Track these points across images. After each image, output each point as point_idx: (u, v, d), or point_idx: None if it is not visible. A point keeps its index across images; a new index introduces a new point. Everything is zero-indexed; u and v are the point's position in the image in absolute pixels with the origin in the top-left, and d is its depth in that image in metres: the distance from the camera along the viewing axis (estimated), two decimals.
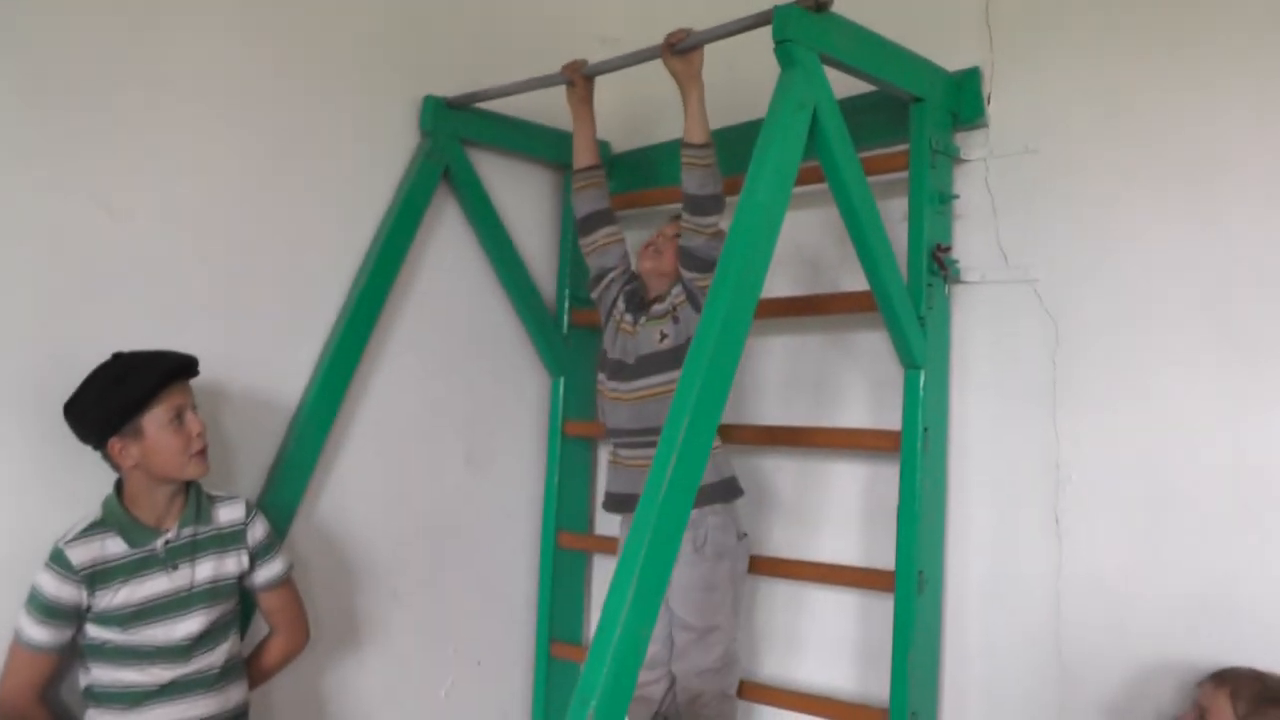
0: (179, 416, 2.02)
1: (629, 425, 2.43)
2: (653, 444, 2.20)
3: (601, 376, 2.51)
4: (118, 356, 2.04)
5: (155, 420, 1.99)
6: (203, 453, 2.06)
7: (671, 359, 2.35)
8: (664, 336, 2.38)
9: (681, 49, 2.21)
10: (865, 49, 2.18)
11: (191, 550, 2.08)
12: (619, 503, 2.48)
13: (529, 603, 2.99)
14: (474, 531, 2.89)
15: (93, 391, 1.99)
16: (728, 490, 2.41)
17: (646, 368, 2.40)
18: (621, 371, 2.44)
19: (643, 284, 2.51)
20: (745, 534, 2.46)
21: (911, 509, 2.29)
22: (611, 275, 2.53)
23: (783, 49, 2.01)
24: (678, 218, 2.41)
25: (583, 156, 2.54)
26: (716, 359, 1.82)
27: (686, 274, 2.35)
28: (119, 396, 1.97)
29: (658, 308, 2.41)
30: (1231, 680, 1.92)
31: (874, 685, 2.48)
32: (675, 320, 2.37)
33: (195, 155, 2.33)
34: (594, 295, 2.57)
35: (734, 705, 2.49)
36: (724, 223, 2.25)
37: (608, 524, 3.08)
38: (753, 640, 2.74)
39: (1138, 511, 2.19)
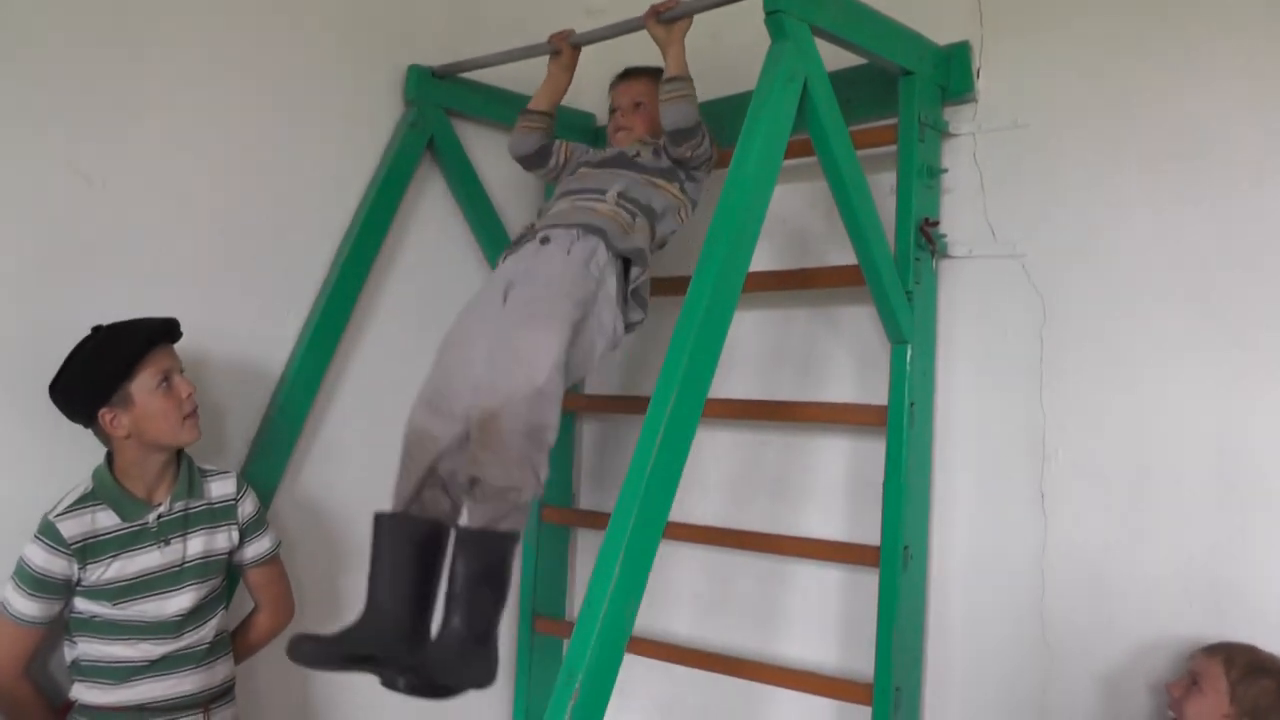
0: (166, 380, 2.00)
1: (567, 188, 2.35)
2: (585, 197, 2.26)
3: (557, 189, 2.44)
4: (96, 330, 2.02)
5: (143, 386, 1.97)
6: (194, 415, 2.04)
7: (640, 166, 2.33)
8: (639, 153, 2.36)
9: (669, 18, 2.20)
10: (856, 21, 2.17)
11: (183, 524, 2.06)
12: (518, 240, 2.27)
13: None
14: None
15: (76, 366, 1.97)
16: (636, 255, 2.17)
17: (612, 160, 2.38)
18: (583, 164, 2.43)
19: None
20: (634, 320, 2.21)
21: (897, 484, 2.30)
22: (587, 151, 2.53)
23: (774, 19, 1.99)
24: (620, 79, 2.51)
25: (542, 102, 2.49)
26: (704, 331, 1.82)
27: (675, 152, 2.31)
28: (104, 366, 1.95)
29: (642, 139, 2.41)
30: (1225, 650, 1.95)
31: (859, 660, 2.49)
32: (655, 155, 2.35)
33: (176, 125, 2.30)
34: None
35: (541, 465, 1.99)
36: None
37: (590, 499, 3.08)
38: (736, 615, 2.75)
39: (1122, 488, 2.20)
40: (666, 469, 1.77)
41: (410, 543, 2.04)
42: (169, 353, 2.04)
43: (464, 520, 2.04)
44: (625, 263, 2.19)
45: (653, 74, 2.43)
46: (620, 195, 2.24)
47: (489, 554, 1.97)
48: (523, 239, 2.26)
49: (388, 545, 2.04)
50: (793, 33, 2.00)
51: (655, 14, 2.20)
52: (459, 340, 2.15)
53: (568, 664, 1.67)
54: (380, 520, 2.06)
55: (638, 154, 2.36)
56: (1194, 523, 2.11)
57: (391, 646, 1.97)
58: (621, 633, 1.71)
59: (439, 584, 2.03)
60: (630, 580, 1.71)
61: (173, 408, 2.00)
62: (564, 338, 2.01)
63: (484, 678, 1.94)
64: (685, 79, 2.23)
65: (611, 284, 2.15)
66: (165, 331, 2.03)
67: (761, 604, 2.72)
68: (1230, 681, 1.90)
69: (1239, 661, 1.92)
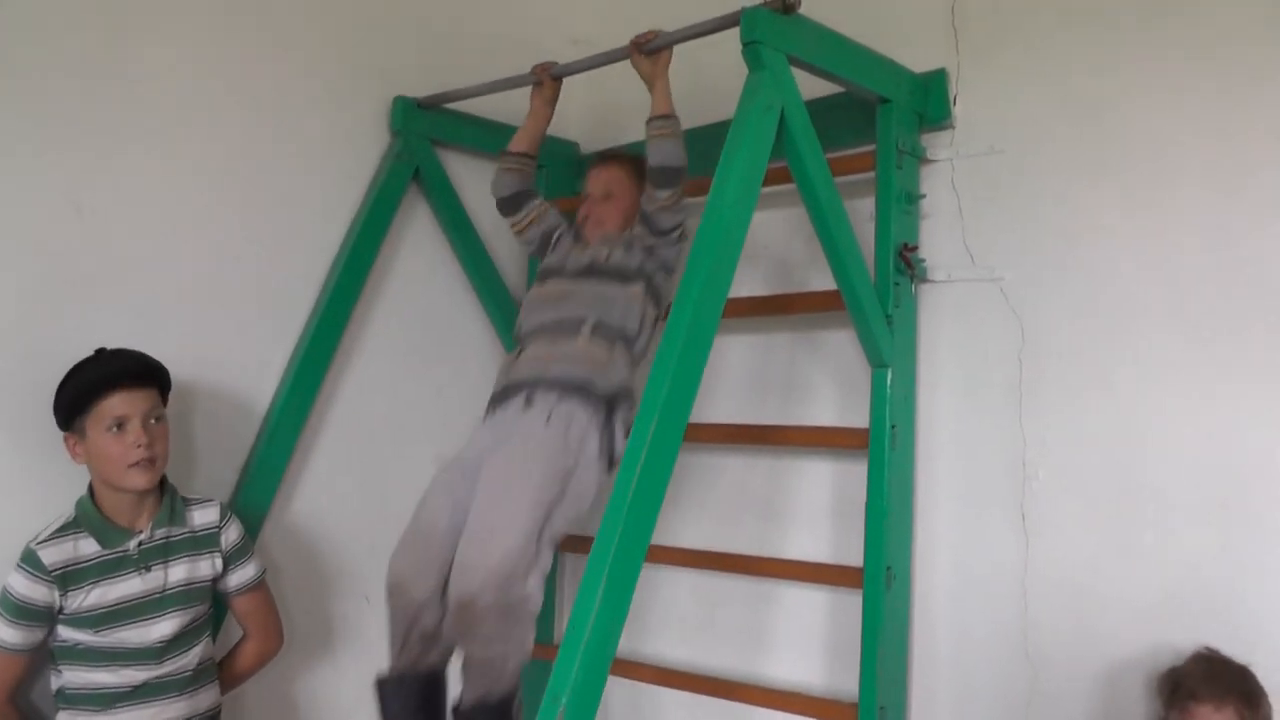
0: (121, 424, 1.97)
1: (541, 318, 2.32)
2: (560, 334, 2.23)
3: (531, 290, 2.45)
4: (98, 353, 2.03)
5: (96, 424, 1.97)
6: (144, 464, 1.99)
7: (612, 272, 2.30)
8: (610, 255, 2.33)
9: (650, 49, 2.22)
10: (833, 51, 2.20)
11: (164, 552, 2.07)
12: (502, 392, 2.27)
13: None
14: None
15: (63, 381, 1.99)
16: (621, 395, 2.19)
17: (584, 271, 2.34)
18: (556, 273, 2.39)
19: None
20: (615, 460, 2.19)
21: (880, 506, 2.32)
22: (559, 231, 2.50)
23: (751, 50, 2.03)
24: (596, 163, 2.50)
25: (522, 143, 2.50)
26: (685, 357, 1.85)
27: (649, 238, 2.30)
28: (66, 394, 1.98)
29: (611, 235, 2.38)
30: (1233, 694, 1.90)
31: (843, 681, 2.50)
32: (628, 249, 2.32)
33: (164, 156, 2.33)
34: (544, 257, 2.50)
35: (525, 636, 2.04)
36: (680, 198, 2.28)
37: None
38: (722, 637, 2.77)
39: (1104, 507, 2.22)
40: (648, 493, 1.80)
41: (412, 700, 2.17)
42: (136, 397, 2.00)
43: (460, 696, 2.11)
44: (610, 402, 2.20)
45: (629, 162, 2.46)
46: (594, 330, 2.23)
47: None
48: (507, 393, 2.25)
49: (393, 708, 2.17)
50: (769, 63, 2.03)
51: (638, 46, 2.23)
52: (437, 498, 2.19)
53: (551, 687, 1.68)
54: (381, 685, 2.18)
55: (609, 255, 2.33)
56: (1176, 538, 2.13)
57: None
58: (605, 655, 1.73)
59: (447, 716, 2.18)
60: (613, 604, 1.73)
61: (119, 454, 1.97)
62: (538, 516, 2.02)
63: None
64: (672, 117, 2.24)
65: (593, 444, 2.15)
66: (131, 375, 2.01)
67: (748, 626, 2.73)
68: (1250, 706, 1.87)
69: (1252, 683, 1.89)
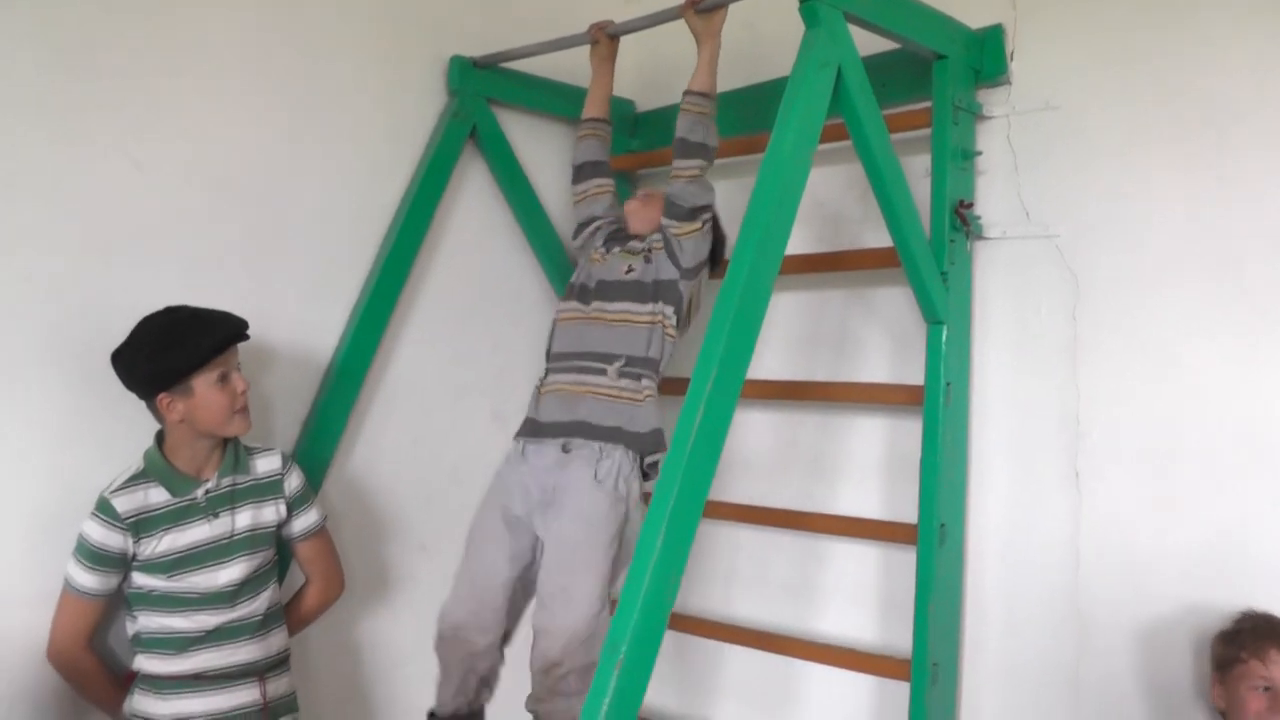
0: (225, 377, 2.09)
1: (569, 348, 2.34)
2: (588, 369, 2.26)
3: (559, 304, 2.49)
4: (169, 311, 2.09)
5: (205, 380, 2.05)
6: (245, 410, 2.13)
7: (633, 290, 2.32)
8: (630, 270, 2.34)
9: (705, 7, 2.23)
10: (889, 7, 2.19)
11: (230, 499, 2.14)
12: (536, 429, 2.31)
13: None
14: None
15: (145, 347, 2.04)
16: (654, 442, 2.25)
17: (604, 292, 2.36)
18: (581, 293, 2.41)
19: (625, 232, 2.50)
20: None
21: (933, 462, 2.33)
22: (598, 223, 2.51)
23: (807, 7, 2.02)
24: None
25: (593, 108, 2.55)
26: (741, 315, 1.86)
27: (666, 221, 2.32)
28: (172, 358, 2.03)
29: (634, 244, 2.40)
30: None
31: (896, 636, 2.52)
32: (647, 260, 2.33)
33: (222, 115, 2.36)
34: (577, 243, 2.54)
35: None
36: (709, 174, 2.30)
37: None
38: (774, 592, 2.80)
39: (1156, 465, 2.22)
40: (706, 447, 1.82)
41: None
42: (233, 351, 2.13)
43: None
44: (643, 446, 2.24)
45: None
46: (622, 369, 2.25)
47: None
48: (541, 432, 2.29)
49: None
50: (826, 20, 2.03)
51: (693, 4, 2.23)
52: (490, 552, 2.26)
53: (611, 636, 1.71)
54: None
55: (628, 269, 2.34)
56: (1226, 496, 2.13)
57: None
58: (663, 607, 1.76)
59: None
60: (672, 555, 1.76)
61: (226, 403, 2.08)
62: (605, 574, 2.16)
63: None
64: (710, 96, 2.27)
65: (635, 489, 2.24)
66: (239, 335, 2.12)
67: (799, 581, 2.76)
68: None
69: None
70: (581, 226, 2.54)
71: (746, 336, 1.89)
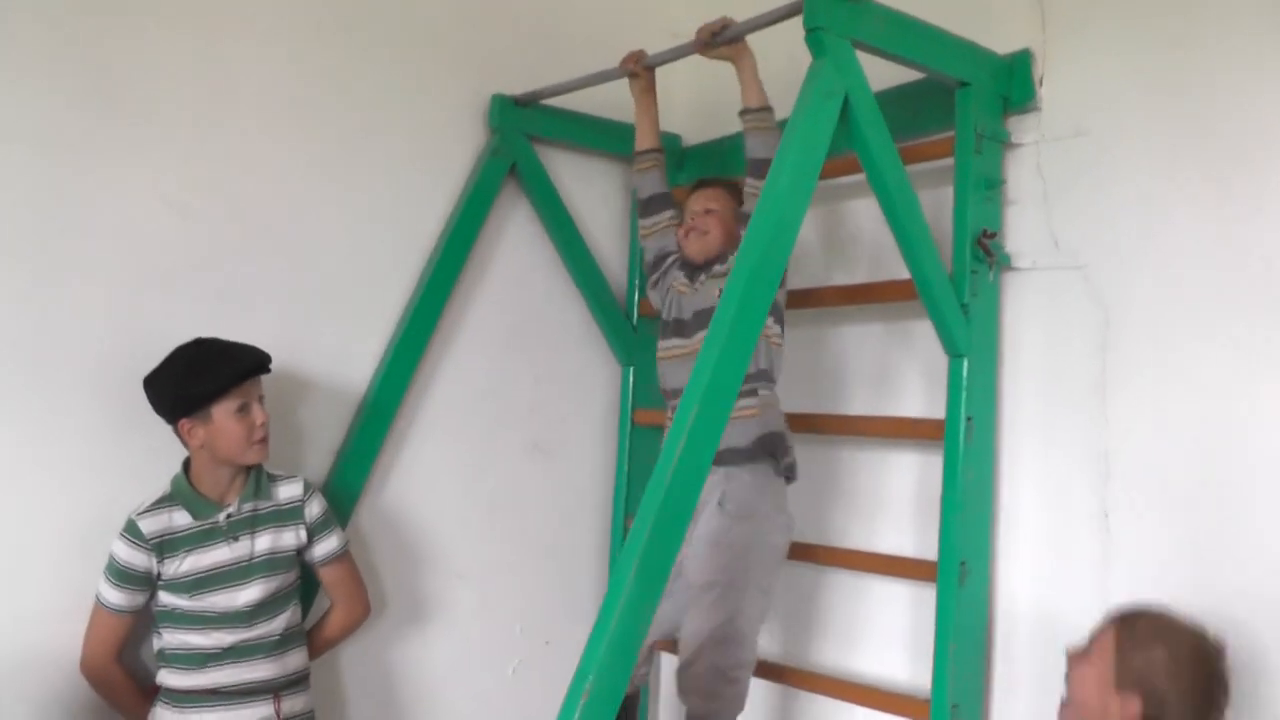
0: (245, 408, 2.18)
1: (682, 382, 2.35)
2: None
3: (660, 343, 2.52)
4: (199, 343, 2.20)
5: (225, 409, 2.16)
6: (263, 441, 2.22)
7: None
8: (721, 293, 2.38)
9: (721, 41, 2.26)
10: (901, 34, 2.17)
11: (251, 524, 2.23)
12: None
13: (599, 586, 3.06)
14: (541, 516, 2.97)
15: (173, 374, 2.16)
16: (767, 447, 2.33)
17: (704, 321, 2.34)
18: (679, 329, 2.45)
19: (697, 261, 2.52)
20: (787, 513, 2.38)
21: (954, 498, 2.27)
22: (673, 256, 2.55)
23: (813, 36, 2.03)
24: (696, 187, 2.53)
25: (645, 139, 2.60)
26: (729, 348, 1.86)
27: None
28: (195, 385, 2.14)
29: (718, 268, 2.42)
30: (1132, 614, 1.79)
31: (924, 676, 2.45)
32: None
33: (262, 155, 2.48)
34: (653, 276, 2.58)
35: (737, 693, 2.33)
36: None
37: None
38: (810, 629, 2.76)
39: (1188, 502, 2.12)
40: (694, 470, 1.82)
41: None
42: (255, 383, 2.23)
43: None
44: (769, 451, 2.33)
45: (724, 181, 2.52)
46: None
47: None
48: None
49: None
50: (831, 49, 2.02)
51: (703, 43, 2.27)
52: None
53: (580, 668, 1.72)
54: None
55: (720, 294, 2.35)
56: (1263, 536, 2.02)
57: None
58: (635, 638, 1.75)
59: None
60: (645, 587, 1.75)
61: (245, 432, 2.18)
62: (739, 588, 2.27)
63: None
64: (766, 109, 2.30)
65: (765, 501, 2.33)
66: (259, 367, 2.22)
67: (833, 618, 2.72)
68: (1120, 650, 1.71)
69: (1139, 627, 1.73)
70: (658, 260, 2.57)
71: (732, 375, 1.88)
